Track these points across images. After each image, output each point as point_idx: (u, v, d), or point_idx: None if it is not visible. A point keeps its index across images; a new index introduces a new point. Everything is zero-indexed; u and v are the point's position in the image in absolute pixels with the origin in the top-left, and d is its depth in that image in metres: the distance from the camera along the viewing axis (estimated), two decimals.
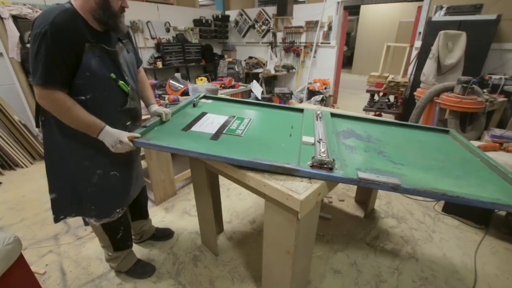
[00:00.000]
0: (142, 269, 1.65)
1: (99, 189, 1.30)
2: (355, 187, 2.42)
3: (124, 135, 1.16)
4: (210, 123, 1.46)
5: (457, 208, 2.18)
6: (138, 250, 1.84)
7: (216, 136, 1.31)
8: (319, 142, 1.26)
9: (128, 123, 1.33)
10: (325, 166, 1.04)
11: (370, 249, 1.88)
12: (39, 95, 1.05)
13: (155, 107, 1.47)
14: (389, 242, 1.94)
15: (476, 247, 1.88)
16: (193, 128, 1.39)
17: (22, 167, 3.02)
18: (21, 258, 1.23)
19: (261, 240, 1.93)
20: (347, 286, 1.60)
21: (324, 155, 1.13)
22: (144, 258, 1.78)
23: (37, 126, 1.23)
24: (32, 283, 1.34)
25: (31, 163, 3.11)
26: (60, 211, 1.33)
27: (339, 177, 1.02)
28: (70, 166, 1.25)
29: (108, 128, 1.15)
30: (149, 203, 2.39)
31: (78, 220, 2.11)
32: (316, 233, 1.94)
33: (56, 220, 1.33)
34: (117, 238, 1.48)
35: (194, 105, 1.70)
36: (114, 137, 1.15)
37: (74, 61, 1.05)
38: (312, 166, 1.06)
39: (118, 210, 1.40)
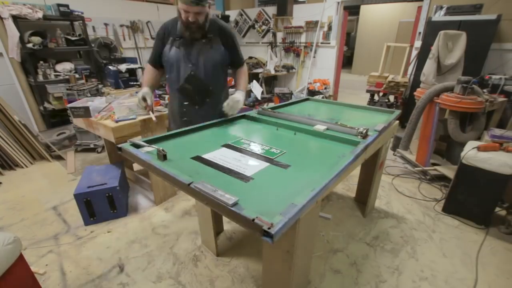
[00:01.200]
0: None
1: None
2: (355, 187, 2.42)
3: (139, 97, 1.73)
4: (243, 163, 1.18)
5: (457, 208, 2.18)
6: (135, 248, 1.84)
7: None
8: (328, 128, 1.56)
9: (186, 103, 1.70)
10: (367, 133, 1.43)
11: (370, 249, 1.88)
12: None
13: (235, 96, 1.68)
14: (389, 242, 1.94)
15: (476, 247, 1.88)
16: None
17: (22, 167, 3.02)
18: (21, 258, 1.23)
19: (261, 240, 1.93)
20: (347, 286, 1.60)
21: (356, 129, 1.46)
22: (144, 259, 1.78)
23: None
24: (32, 283, 1.34)
25: (31, 163, 3.11)
26: None
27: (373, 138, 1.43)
28: None
29: (143, 89, 1.73)
30: (149, 203, 2.39)
31: (78, 220, 2.11)
32: (316, 233, 1.94)
33: None
34: None
35: (165, 157, 1.18)
36: (139, 95, 1.74)
37: (159, 49, 1.67)
38: (364, 137, 1.39)
39: None
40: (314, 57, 5.60)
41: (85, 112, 2.12)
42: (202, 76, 1.64)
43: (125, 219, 2.18)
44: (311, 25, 5.42)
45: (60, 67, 3.74)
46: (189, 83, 1.65)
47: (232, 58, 1.76)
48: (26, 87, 3.64)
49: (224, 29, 1.66)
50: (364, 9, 9.59)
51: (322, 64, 5.59)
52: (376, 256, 1.81)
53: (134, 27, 4.83)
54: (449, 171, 2.59)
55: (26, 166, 3.04)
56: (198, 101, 1.72)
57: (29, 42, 3.35)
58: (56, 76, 3.65)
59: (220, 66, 1.70)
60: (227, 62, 1.74)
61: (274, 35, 6.01)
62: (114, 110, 2.10)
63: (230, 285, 1.60)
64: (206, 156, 1.25)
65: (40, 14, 3.36)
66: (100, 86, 3.24)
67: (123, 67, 4.04)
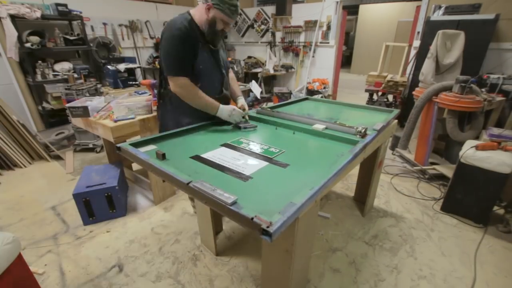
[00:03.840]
0: None
1: None
2: (354, 186, 2.42)
3: (233, 107, 1.57)
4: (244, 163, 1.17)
5: (455, 207, 2.19)
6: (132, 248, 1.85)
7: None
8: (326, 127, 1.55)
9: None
10: (365, 132, 1.42)
11: (369, 248, 1.88)
12: (175, 84, 1.45)
13: (242, 101, 1.75)
14: (387, 241, 1.94)
15: (475, 245, 1.89)
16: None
17: (21, 167, 3.01)
18: (19, 258, 1.23)
19: (261, 239, 1.93)
20: (346, 285, 1.60)
21: (355, 129, 1.45)
22: (141, 257, 1.79)
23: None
24: (31, 283, 1.34)
25: (30, 163, 3.10)
26: None
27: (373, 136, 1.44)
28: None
29: (221, 106, 1.55)
30: (148, 203, 2.39)
31: (77, 220, 2.11)
32: (315, 232, 1.95)
33: None
34: None
35: (164, 157, 1.17)
36: (229, 109, 1.55)
37: (192, 56, 1.43)
38: (362, 136, 1.39)
39: None
40: (313, 56, 5.60)
41: (84, 112, 2.12)
42: (227, 81, 1.73)
43: (124, 218, 2.18)
44: (310, 25, 5.42)
45: (58, 66, 3.73)
46: (226, 88, 1.71)
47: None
48: (24, 87, 3.63)
49: None
50: (363, 8, 9.59)
51: (321, 64, 5.59)
52: (375, 255, 1.82)
53: (132, 27, 4.82)
54: (448, 170, 2.60)
55: (25, 166, 3.04)
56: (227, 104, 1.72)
57: (27, 41, 3.34)
58: (54, 75, 3.64)
59: None
60: None
61: (273, 34, 6.01)
62: (113, 109, 2.10)
63: (229, 284, 1.60)
64: (205, 155, 1.25)
65: (38, 14, 3.35)
66: (98, 85, 3.23)
67: (121, 66, 4.03)
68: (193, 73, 1.47)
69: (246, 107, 1.72)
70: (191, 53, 1.43)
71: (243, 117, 1.65)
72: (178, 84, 1.45)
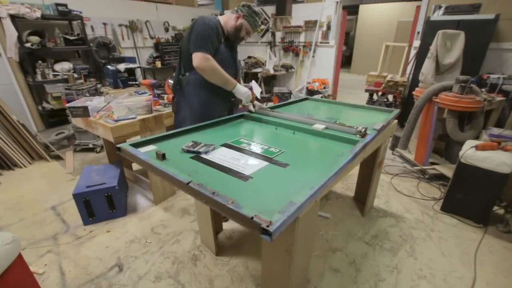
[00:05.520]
0: None
1: None
2: (354, 186, 2.43)
3: (248, 90, 1.80)
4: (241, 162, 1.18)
5: (455, 207, 2.19)
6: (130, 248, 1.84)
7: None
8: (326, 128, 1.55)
9: (233, 99, 1.92)
10: (365, 132, 1.43)
11: (369, 248, 1.88)
12: (201, 58, 1.59)
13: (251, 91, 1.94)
14: (387, 241, 1.94)
15: (475, 245, 1.89)
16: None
17: (21, 167, 3.01)
18: (20, 258, 1.23)
19: (260, 239, 1.93)
20: (346, 285, 1.60)
21: (355, 128, 1.46)
22: (141, 257, 1.79)
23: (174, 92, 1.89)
24: (31, 283, 1.34)
25: (30, 163, 3.10)
26: None
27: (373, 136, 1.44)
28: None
29: (238, 85, 1.77)
30: (148, 203, 2.39)
31: (77, 219, 2.11)
32: (315, 232, 1.95)
33: None
34: None
35: (164, 157, 1.16)
36: (246, 89, 1.78)
37: (217, 42, 1.68)
38: (362, 136, 1.39)
39: None
40: (313, 56, 5.60)
41: (84, 112, 2.12)
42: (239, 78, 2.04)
43: (124, 218, 2.18)
44: (310, 25, 5.42)
45: (58, 66, 3.73)
46: (238, 82, 1.93)
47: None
48: (24, 87, 3.63)
49: None
50: (363, 8, 9.59)
51: (321, 64, 5.59)
52: (375, 255, 1.82)
53: (132, 27, 4.82)
54: (448, 170, 2.60)
55: (25, 166, 3.04)
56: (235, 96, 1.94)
57: (27, 41, 3.34)
58: (54, 75, 3.64)
59: None
60: None
61: (273, 34, 6.01)
62: (113, 109, 2.10)
63: (229, 284, 1.60)
64: (205, 155, 1.25)
65: (38, 14, 3.35)
66: (98, 85, 3.23)
67: (121, 66, 4.04)
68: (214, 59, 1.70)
69: (256, 96, 2.05)
70: (216, 40, 1.67)
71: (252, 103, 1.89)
72: (203, 58, 1.60)
